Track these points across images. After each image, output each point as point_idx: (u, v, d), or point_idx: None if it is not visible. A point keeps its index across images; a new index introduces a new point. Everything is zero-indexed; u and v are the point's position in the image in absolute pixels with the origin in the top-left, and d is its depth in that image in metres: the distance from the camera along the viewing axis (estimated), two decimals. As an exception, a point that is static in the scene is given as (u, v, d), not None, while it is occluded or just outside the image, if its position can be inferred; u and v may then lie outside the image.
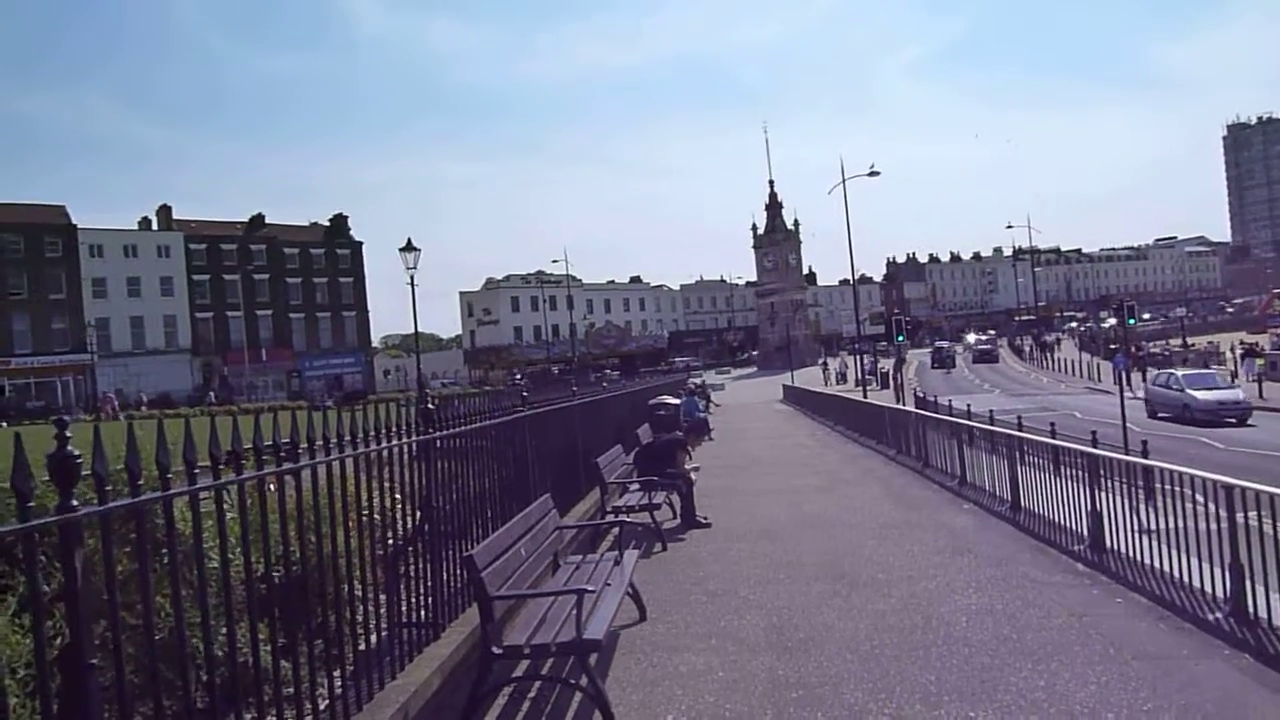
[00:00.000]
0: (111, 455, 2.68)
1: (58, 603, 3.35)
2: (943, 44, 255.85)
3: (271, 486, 3.66)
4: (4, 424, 51.24)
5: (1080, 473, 8.75)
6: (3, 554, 3.10)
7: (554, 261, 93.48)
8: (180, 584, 2.99)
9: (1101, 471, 8.40)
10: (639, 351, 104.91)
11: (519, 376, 79.67)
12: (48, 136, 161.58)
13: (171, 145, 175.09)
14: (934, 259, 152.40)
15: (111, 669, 2.57)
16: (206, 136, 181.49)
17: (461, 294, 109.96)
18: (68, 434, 2.44)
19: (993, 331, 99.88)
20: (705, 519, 10.83)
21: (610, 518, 9.58)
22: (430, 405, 5.29)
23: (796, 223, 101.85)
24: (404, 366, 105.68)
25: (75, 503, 2.43)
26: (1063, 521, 8.79)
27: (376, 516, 4.73)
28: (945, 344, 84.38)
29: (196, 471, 3.04)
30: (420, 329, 38.82)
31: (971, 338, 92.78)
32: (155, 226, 78.34)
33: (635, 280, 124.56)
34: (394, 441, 4.67)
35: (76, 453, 2.42)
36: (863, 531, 10.05)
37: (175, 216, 79.20)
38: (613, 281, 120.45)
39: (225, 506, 3.72)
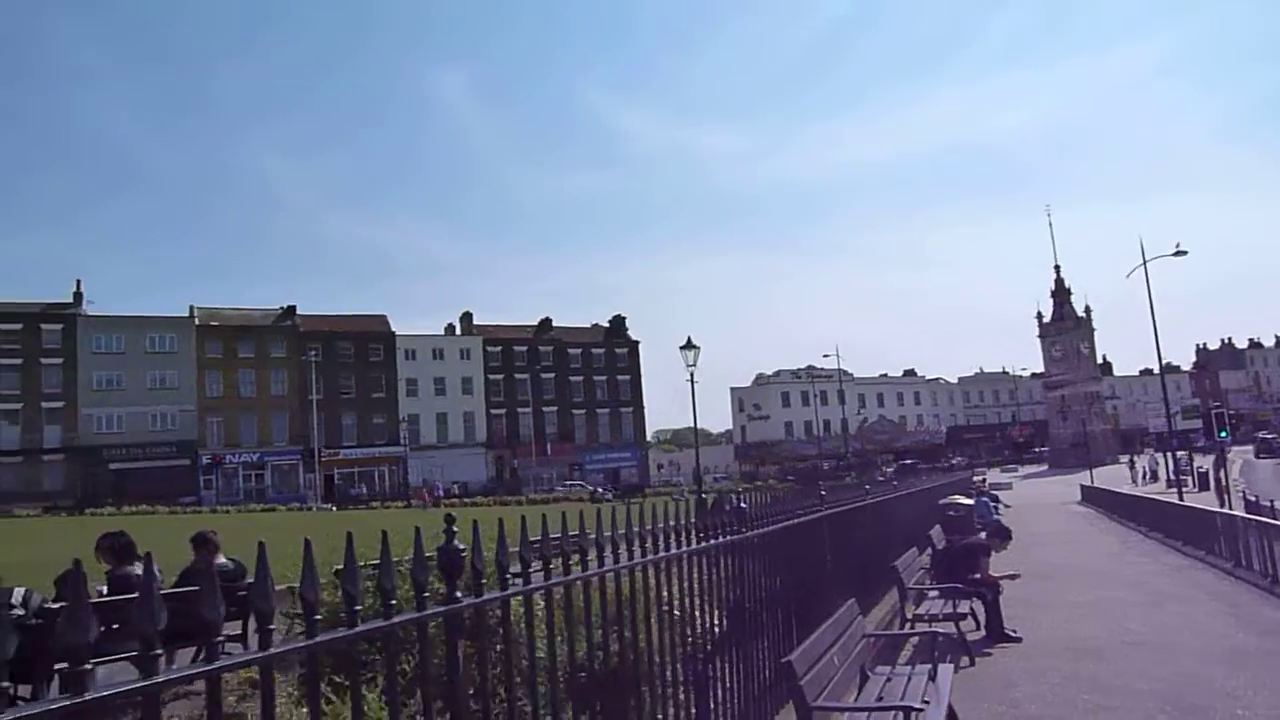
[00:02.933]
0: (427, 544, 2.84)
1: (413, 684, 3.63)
2: (1253, 100, 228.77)
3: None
4: (333, 508, 57.77)
5: None
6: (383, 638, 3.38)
7: (824, 356, 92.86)
8: (493, 671, 3.13)
9: None
10: (915, 447, 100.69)
11: (819, 480, 78.84)
12: (373, 256, 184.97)
13: (471, 259, 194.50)
14: (1255, 344, 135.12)
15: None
16: (501, 250, 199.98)
17: (732, 390, 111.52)
18: (454, 529, 2.63)
19: None
20: (1014, 632, 9.97)
21: (910, 626, 9.07)
22: (742, 504, 5.30)
23: (1088, 309, 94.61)
24: (676, 460, 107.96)
25: (459, 594, 2.60)
26: None
27: (678, 613, 4.76)
28: (1273, 435, 73.67)
29: (506, 572, 3.16)
30: (690, 424, 39.68)
31: None
32: (458, 331, 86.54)
33: (909, 373, 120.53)
34: (711, 541, 4.70)
35: (462, 547, 2.61)
36: (1208, 658, 8.80)
37: (475, 322, 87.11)
38: (885, 375, 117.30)
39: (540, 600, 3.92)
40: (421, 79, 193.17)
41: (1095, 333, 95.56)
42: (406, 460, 76.88)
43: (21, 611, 6.89)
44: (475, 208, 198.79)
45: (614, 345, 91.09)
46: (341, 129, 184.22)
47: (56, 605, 6.38)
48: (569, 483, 75.47)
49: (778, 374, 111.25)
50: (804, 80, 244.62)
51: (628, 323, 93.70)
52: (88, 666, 1.54)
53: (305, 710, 4.00)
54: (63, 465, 67.49)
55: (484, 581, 2.76)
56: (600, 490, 66.78)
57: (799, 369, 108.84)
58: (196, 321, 74.06)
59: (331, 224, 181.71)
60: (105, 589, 7.68)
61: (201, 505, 60.78)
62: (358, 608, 2.23)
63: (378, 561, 2.44)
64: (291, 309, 79.07)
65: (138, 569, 7.78)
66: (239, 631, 7.79)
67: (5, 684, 1.46)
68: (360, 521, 35.08)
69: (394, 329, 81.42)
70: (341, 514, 49.45)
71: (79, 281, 73.78)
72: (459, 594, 2.62)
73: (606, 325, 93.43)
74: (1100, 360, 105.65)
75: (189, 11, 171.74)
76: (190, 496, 65.12)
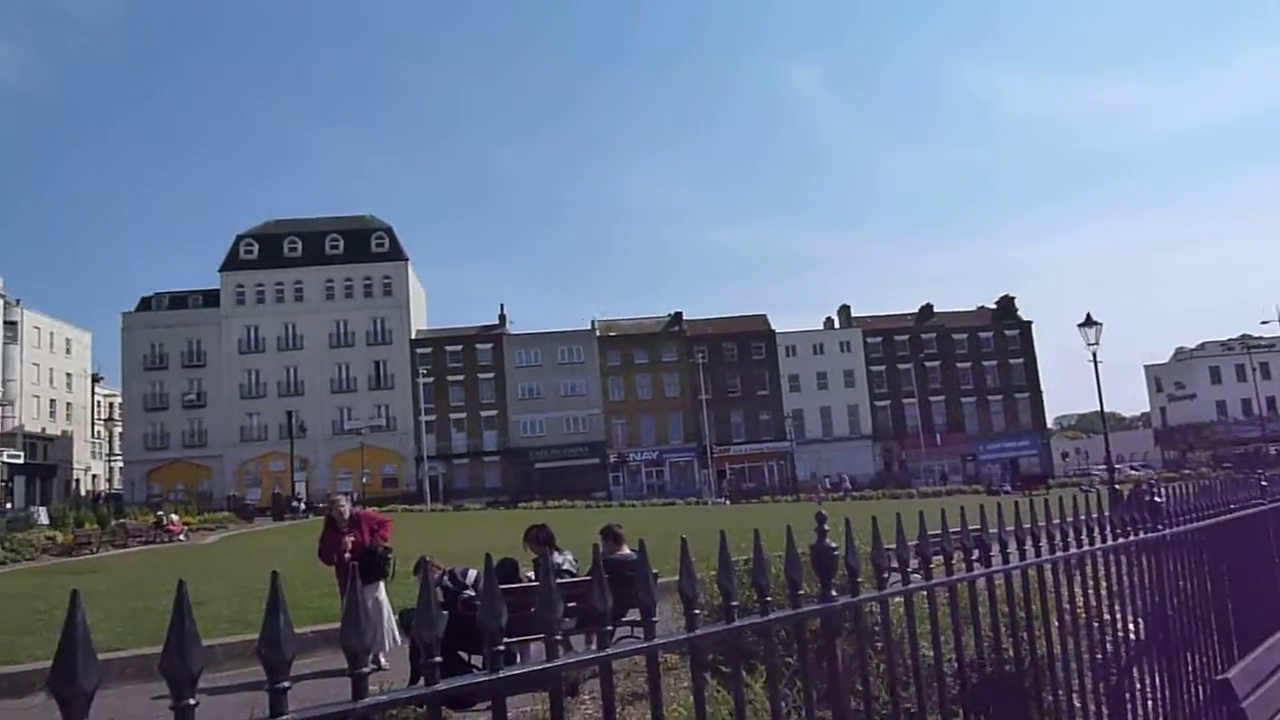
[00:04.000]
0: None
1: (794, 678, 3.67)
2: None
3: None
4: (726, 502, 60.40)
5: None
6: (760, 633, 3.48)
7: (1262, 323, 79.02)
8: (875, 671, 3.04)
9: None
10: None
11: (1262, 467, 68.72)
12: (748, 258, 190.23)
13: (832, 250, 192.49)
14: None
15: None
16: (864, 238, 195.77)
17: (1147, 368, 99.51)
18: (825, 526, 2.64)
19: None
20: None
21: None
22: (1156, 498, 4.73)
23: None
24: (1084, 448, 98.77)
25: (833, 593, 2.61)
26: None
27: (1084, 618, 4.31)
28: None
29: (884, 571, 3.06)
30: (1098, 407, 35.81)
31: None
32: (837, 325, 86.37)
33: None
34: (1121, 539, 4.24)
35: (834, 545, 2.62)
36: None
37: (854, 314, 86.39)
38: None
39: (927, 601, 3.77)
40: (769, 76, 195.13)
41: None
42: (793, 455, 78.20)
43: (471, 593, 8.05)
44: (832, 198, 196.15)
45: (1003, 327, 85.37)
46: (689, 131, 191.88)
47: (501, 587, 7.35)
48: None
49: (1202, 347, 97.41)
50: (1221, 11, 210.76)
51: (1017, 302, 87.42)
52: (500, 647, 1.77)
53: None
54: (499, 465, 77.62)
55: (860, 580, 2.74)
56: (995, 482, 62.94)
57: (1230, 339, 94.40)
58: (598, 333, 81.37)
59: (695, 228, 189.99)
60: (532, 574, 8.71)
61: (610, 500, 66.61)
62: (735, 603, 2.32)
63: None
64: (678, 315, 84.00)
65: (556, 557, 8.75)
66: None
67: (437, 657, 1.73)
68: (751, 515, 36.29)
69: (774, 327, 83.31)
70: (735, 508, 51.51)
71: (502, 305, 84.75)
72: (834, 593, 2.62)
73: (994, 306, 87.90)
74: None
75: (550, 36, 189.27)
76: (601, 492, 71.62)
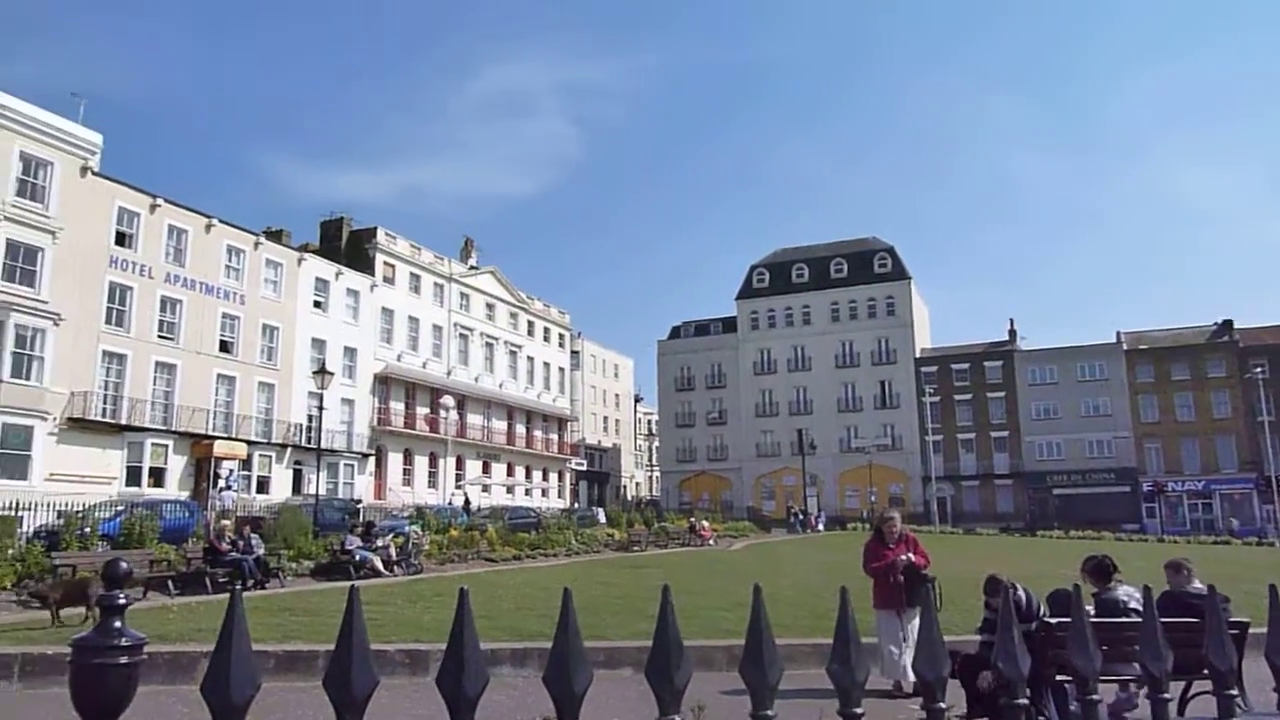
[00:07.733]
0: None
1: None
2: None
3: None
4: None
5: None
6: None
7: None
8: None
9: None
10: None
11: None
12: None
13: None
14: None
15: None
16: None
17: None
18: None
19: None
20: None
21: None
22: None
23: None
24: None
25: None
26: None
27: None
28: None
29: None
30: None
31: None
32: None
33: None
34: None
35: None
36: None
37: None
38: None
39: None
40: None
41: None
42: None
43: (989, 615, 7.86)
44: None
45: None
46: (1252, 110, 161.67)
47: (1054, 620, 6.94)
48: None
49: None
50: None
51: None
52: (1096, 697, 1.76)
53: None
54: (1011, 489, 73.38)
55: None
56: None
57: None
58: (1124, 347, 73.24)
59: (1246, 224, 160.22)
60: (1092, 610, 8.18)
61: (1144, 533, 59.25)
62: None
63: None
64: (1228, 324, 72.29)
65: (1119, 591, 7.82)
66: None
67: (1021, 699, 1.91)
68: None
69: (1364, 333, 67.80)
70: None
71: (1011, 320, 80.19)
72: None
73: None
74: None
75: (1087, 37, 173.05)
76: (1132, 524, 64.03)
